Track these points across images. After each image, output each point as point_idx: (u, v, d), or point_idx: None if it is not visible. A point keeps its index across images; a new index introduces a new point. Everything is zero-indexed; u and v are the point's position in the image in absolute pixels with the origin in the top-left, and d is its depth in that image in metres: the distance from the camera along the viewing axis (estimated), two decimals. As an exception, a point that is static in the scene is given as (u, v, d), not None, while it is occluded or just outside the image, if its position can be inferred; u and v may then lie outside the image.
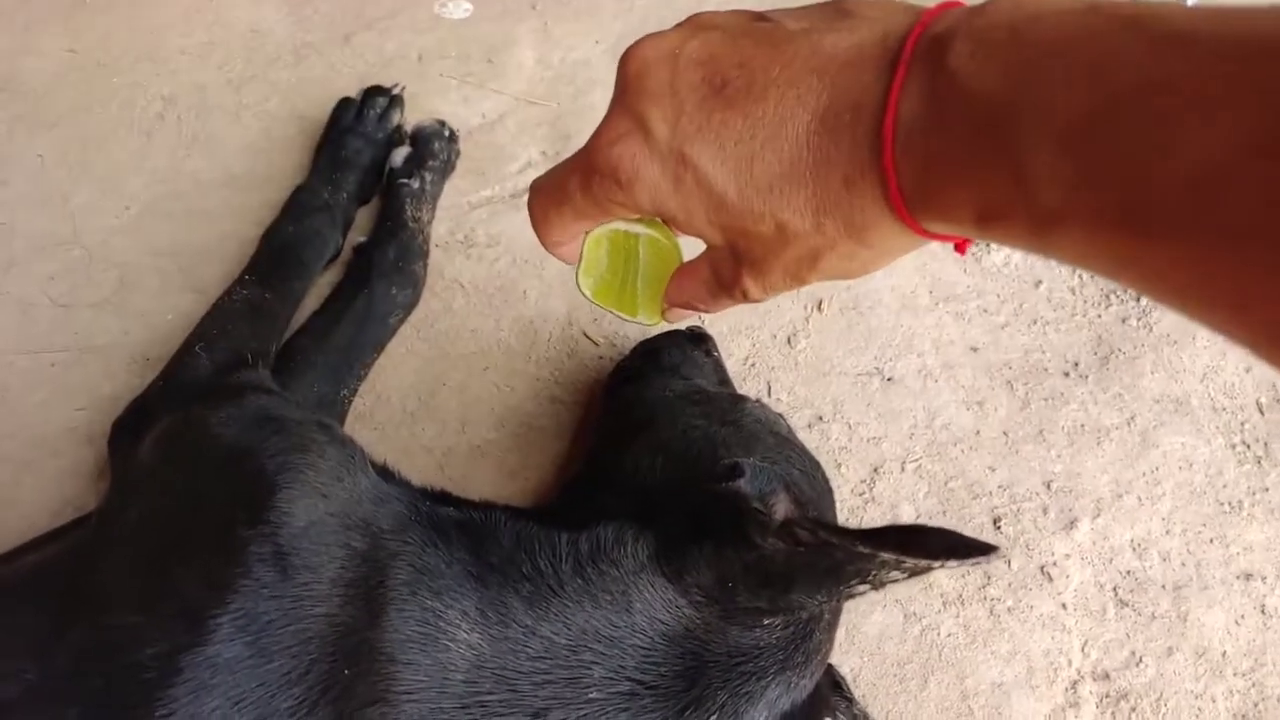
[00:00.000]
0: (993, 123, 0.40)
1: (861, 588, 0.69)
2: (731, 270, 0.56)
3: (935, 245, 1.32)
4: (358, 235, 1.24)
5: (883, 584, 0.67)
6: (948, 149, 0.42)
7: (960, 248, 0.53)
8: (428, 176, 1.27)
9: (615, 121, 0.53)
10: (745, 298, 0.58)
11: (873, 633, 1.08)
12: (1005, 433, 1.23)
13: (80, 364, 1.15)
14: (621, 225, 0.62)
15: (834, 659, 0.87)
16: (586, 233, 0.63)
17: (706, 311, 0.65)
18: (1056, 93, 0.37)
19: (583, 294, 0.68)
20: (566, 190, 0.57)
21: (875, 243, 0.50)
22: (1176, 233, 0.34)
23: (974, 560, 0.59)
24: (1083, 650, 1.09)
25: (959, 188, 0.42)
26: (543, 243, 0.63)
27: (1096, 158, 0.36)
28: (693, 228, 0.54)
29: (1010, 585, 1.12)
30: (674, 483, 0.87)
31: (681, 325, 1.14)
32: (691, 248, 0.61)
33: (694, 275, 0.61)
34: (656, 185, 0.52)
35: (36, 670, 0.69)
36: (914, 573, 0.64)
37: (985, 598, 1.11)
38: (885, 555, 0.62)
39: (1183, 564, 1.16)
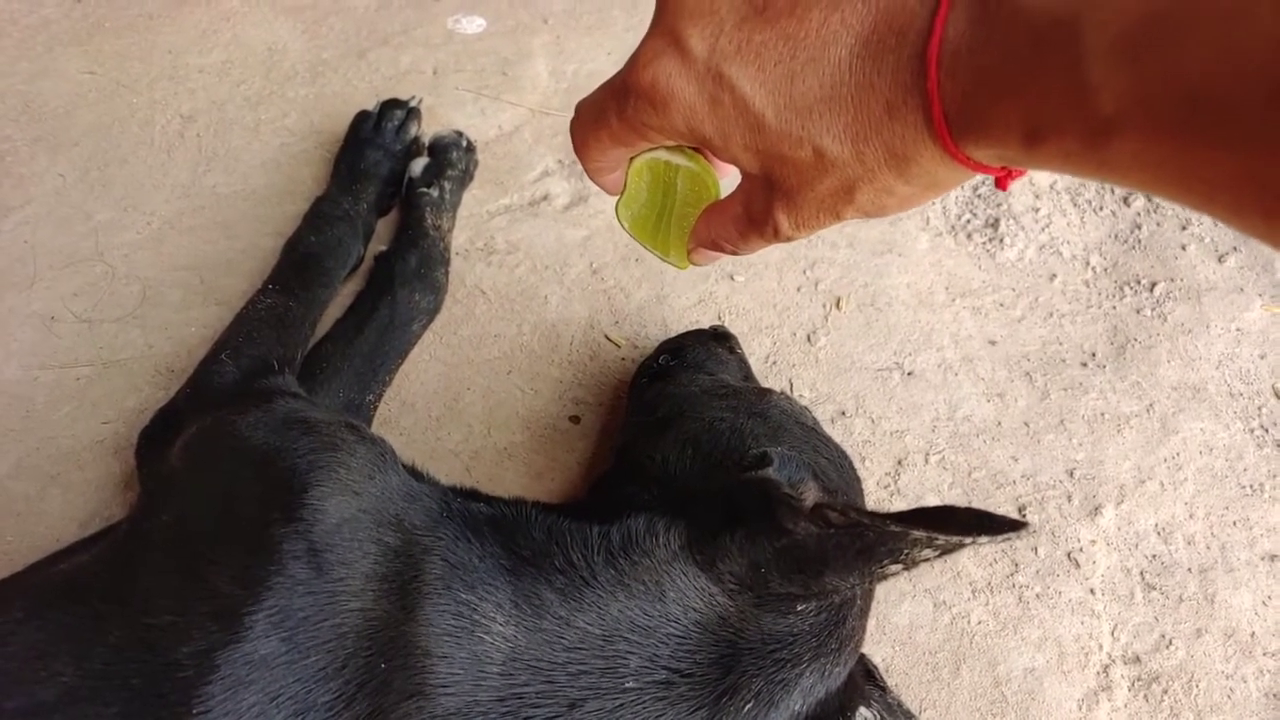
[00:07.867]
0: (1051, 33, 0.39)
1: (894, 568, 0.69)
2: (764, 202, 0.55)
3: (950, 242, 1.34)
4: (378, 245, 1.25)
5: (915, 563, 0.67)
6: (998, 65, 0.42)
7: (1002, 183, 0.51)
8: (447, 185, 1.28)
9: (652, 41, 0.52)
10: (776, 234, 0.57)
11: (903, 623, 1.08)
12: (1026, 423, 1.23)
13: (105, 378, 1.16)
14: (664, 155, 0.61)
15: (866, 649, 0.87)
16: (631, 160, 0.62)
17: (734, 253, 0.63)
18: None
19: (621, 226, 0.68)
20: (604, 113, 0.57)
21: (915, 175, 0.49)
22: (1245, 141, 0.33)
23: (1005, 536, 0.58)
24: (1112, 634, 1.09)
25: (1009, 105, 0.42)
26: (585, 169, 0.63)
27: (1161, 61, 0.35)
28: (728, 153, 0.53)
29: (1038, 572, 1.12)
30: (703, 473, 0.87)
31: (705, 325, 1.14)
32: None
33: (725, 211, 0.60)
34: (692, 106, 0.51)
35: (73, 672, 0.68)
36: (945, 550, 0.64)
37: (1014, 585, 1.11)
38: (917, 534, 0.62)
39: (1207, 547, 1.16)
